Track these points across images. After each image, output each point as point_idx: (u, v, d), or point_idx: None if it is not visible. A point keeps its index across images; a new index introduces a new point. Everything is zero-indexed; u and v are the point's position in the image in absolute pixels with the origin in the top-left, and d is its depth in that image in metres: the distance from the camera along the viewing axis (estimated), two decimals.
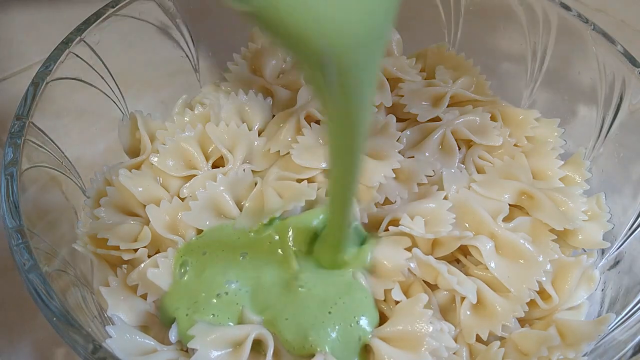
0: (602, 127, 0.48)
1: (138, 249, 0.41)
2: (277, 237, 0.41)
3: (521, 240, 0.41)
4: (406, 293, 0.40)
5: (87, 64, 0.46)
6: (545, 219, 0.43)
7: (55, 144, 0.42)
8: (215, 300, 0.39)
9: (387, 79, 0.52)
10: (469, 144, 0.50)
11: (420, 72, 0.54)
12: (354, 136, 0.29)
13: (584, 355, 0.37)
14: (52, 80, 0.42)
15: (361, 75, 0.25)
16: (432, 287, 0.41)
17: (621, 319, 0.38)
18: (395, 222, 0.42)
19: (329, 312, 0.37)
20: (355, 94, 0.26)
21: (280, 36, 0.23)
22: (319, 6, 0.22)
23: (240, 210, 0.44)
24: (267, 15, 0.22)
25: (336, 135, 0.30)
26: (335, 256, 0.39)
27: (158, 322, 0.40)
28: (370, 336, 0.37)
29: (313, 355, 0.36)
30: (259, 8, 0.22)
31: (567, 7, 0.48)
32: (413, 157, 0.47)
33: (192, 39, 0.54)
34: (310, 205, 0.43)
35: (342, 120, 0.28)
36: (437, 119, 0.49)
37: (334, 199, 0.35)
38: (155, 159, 0.46)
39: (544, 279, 0.40)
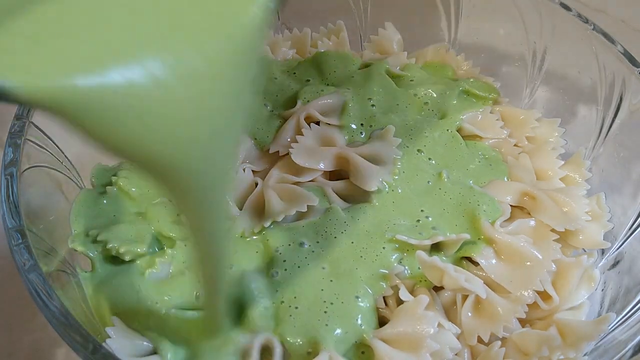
0: (602, 127, 0.48)
1: (138, 249, 0.41)
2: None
3: (522, 243, 0.41)
4: (412, 294, 0.40)
5: None
6: (546, 220, 0.43)
7: (55, 144, 0.42)
8: None
9: None
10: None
11: None
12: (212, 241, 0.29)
13: (584, 355, 0.37)
14: None
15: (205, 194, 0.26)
16: (436, 289, 0.41)
17: (621, 318, 0.38)
18: None
19: (325, 312, 0.37)
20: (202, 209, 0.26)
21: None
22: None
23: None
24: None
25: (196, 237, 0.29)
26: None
27: None
28: (370, 337, 0.37)
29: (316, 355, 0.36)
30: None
31: (567, 7, 0.48)
32: None
33: None
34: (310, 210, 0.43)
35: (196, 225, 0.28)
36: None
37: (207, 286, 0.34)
38: None
39: (548, 279, 0.40)
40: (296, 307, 0.38)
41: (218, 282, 0.32)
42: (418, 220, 0.42)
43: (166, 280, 0.40)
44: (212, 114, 0.23)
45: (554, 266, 0.41)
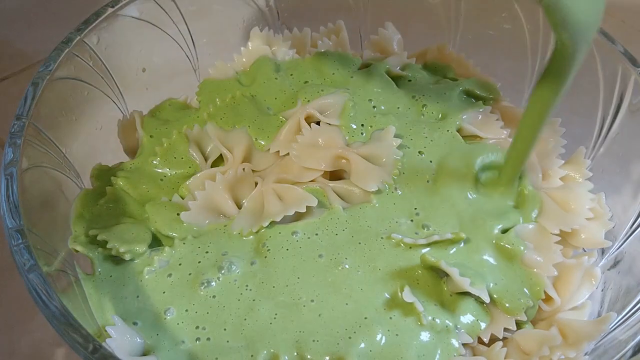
0: (602, 126, 0.48)
1: (138, 248, 0.41)
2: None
3: (521, 247, 0.41)
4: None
5: (87, 64, 0.46)
6: (547, 222, 0.43)
7: (55, 144, 0.42)
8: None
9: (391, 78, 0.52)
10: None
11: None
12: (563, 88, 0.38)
13: (585, 355, 0.37)
14: (52, 80, 0.42)
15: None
16: None
17: (621, 318, 0.38)
18: None
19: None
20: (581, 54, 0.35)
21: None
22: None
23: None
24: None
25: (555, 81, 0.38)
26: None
27: None
28: None
29: None
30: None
31: None
32: None
33: (192, 39, 0.54)
34: (309, 211, 0.43)
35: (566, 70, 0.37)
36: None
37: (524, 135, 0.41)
38: (155, 162, 0.46)
39: (549, 283, 0.40)
40: None
41: (539, 130, 0.40)
42: (419, 220, 0.42)
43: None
44: None
45: (555, 272, 0.41)
